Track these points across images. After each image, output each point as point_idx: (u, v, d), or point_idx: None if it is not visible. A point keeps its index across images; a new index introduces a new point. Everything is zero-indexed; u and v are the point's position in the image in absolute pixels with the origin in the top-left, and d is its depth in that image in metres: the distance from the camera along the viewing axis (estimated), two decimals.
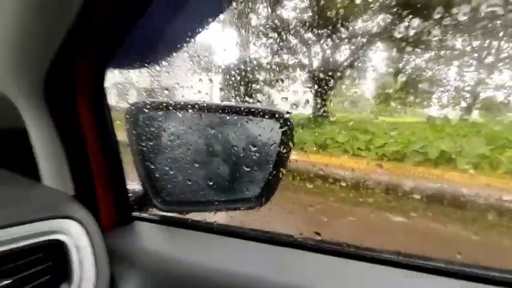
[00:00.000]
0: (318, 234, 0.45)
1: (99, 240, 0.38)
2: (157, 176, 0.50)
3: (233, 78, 0.80)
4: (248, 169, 0.51)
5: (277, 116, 0.50)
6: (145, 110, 0.50)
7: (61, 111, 0.40)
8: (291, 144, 0.49)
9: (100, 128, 0.44)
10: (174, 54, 0.51)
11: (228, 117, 0.52)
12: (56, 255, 0.34)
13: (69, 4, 0.28)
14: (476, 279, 0.35)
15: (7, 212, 0.33)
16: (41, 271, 0.33)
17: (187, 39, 0.47)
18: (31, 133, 0.41)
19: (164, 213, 0.53)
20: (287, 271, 0.38)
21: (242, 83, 0.83)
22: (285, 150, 0.50)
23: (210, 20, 0.45)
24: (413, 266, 0.37)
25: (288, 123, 0.50)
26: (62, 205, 0.37)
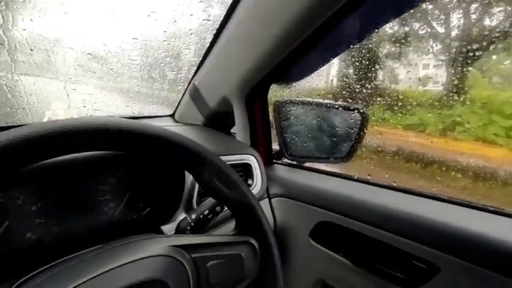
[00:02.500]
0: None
1: (263, 166, 0.86)
2: (288, 140, 0.96)
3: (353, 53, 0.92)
4: (340, 138, 0.91)
5: (357, 109, 0.87)
6: (283, 103, 0.95)
7: (248, 105, 0.89)
8: (365, 127, 0.86)
9: (263, 114, 0.92)
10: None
11: (328, 109, 0.92)
12: (247, 168, 0.84)
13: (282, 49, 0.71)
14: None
15: (231, 150, 0.83)
16: (243, 174, 0.83)
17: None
18: (235, 115, 0.92)
19: (290, 161, 0.99)
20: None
21: (362, 58, 0.95)
22: (361, 131, 0.87)
23: None
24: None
25: (364, 114, 0.86)
26: (248, 149, 0.87)
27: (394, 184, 0.76)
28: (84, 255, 0.45)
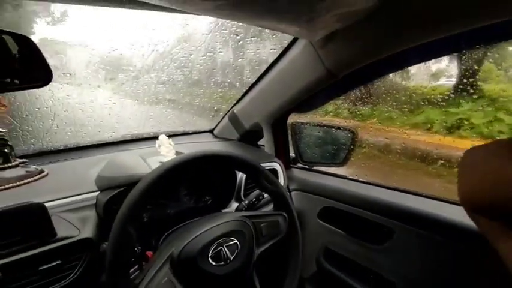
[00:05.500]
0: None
1: (284, 170, 1.29)
2: (301, 150, 1.38)
3: None
4: (338, 149, 1.33)
5: (349, 129, 1.29)
6: (298, 124, 1.37)
7: (274, 127, 1.32)
8: (355, 142, 1.28)
9: (283, 133, 1.34)
10: None
11: (329, 129, 1.34)
12: (274, 171, 1.26)
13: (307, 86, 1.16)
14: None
15: (263, 158, 1.26)
16: None
17: None
18: (264, 135, 1.35)
19: (302, 166, 1.41)
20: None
21: None
22: (352, 145, 1.28)
23: None
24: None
25: (354, 133, 1.28)
26: (274, 158, 1.30)
27: (371, 180, 1.18)
28: (195, 221, 0.87)
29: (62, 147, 1.25)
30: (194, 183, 1.12)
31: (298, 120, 1.38)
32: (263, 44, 1.24)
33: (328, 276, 1.24)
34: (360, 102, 2.05)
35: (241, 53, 1.35)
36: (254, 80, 1.22)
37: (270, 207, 1.01)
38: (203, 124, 1.77)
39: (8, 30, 0.55)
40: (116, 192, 0.91)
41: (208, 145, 1.49)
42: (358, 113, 2.10)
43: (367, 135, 2.02)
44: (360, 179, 1.21)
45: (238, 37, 1.27)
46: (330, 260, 1.25)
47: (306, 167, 1.41)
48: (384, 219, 1.04)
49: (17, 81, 0.57)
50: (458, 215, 0.92)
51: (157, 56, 1.31)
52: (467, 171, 0.30)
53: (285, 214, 0.93)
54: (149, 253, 0.89)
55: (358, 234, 1.14)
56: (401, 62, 0.96)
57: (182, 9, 0.66)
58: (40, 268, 0.78)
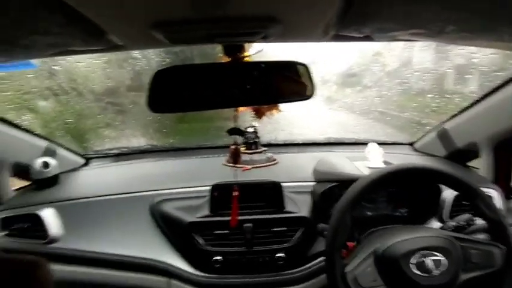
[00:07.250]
0: None
1: (503, 199, 1.13)
2: None
3: None
4: None
5: None
6: None
7: (496, 152, 1.18)
8: None
9: (507, 158, 1.18)
10: None
11: None
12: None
13: None
14: None
15: (476, 181, 1.13)
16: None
17: None
18: (483, 157, 1.23)
19: None
20: None
21: None
22: None
23: None
24: None
25: None
26: (490, 184, 1.16)
27: None
28: (400, 227, 0.93)
29: (282, 142, 1.58)
30: (393, 192, 1.18)
31: None
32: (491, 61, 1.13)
33: None
34: None
35: (470, 70, 1.27)
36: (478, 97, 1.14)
37: (481, 236, 0.94)
38: (401, 137, 1.76)
39: (293, 60, 0.80)
40: (329, 186, 1.10)
41: (413, 158, 1.48)
42: None
43: None
44: None
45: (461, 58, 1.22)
46: None
47: None
48: None
49: (290, 95, 0.82)
50: None
51: (383, 75, 1.43)
52: None
53: (502, 247, 0.85)
54: (350, 244, 1.03)
55: None
56: None
57: (413, 39, 0.73)
58: (272, 229, 1.06)
